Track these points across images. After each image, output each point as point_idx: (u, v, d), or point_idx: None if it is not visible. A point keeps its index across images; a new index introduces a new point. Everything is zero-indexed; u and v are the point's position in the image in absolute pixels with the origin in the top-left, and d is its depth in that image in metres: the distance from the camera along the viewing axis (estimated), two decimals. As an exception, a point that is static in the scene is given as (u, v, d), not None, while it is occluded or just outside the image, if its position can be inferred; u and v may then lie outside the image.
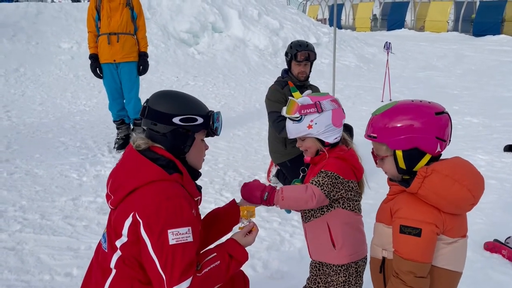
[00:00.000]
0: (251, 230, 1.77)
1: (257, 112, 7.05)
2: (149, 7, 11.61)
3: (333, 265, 1.95)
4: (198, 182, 1.86)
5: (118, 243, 1.57)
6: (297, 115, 1.89)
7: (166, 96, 1.74)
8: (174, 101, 1.71)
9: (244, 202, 1.92)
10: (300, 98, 1.93)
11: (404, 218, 1.48)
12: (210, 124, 1.72)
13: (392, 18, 26.44)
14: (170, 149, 1.67)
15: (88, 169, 4.55)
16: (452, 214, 1.47)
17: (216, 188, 4.08)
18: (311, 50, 3.81)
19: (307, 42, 3.95)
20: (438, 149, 1.50)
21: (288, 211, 2.19)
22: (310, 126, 1.89)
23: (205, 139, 1.82)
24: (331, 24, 19.42)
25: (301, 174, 2.10)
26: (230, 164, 4.80)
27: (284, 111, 1.95)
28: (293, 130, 1.95)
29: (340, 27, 24.57)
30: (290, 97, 2.01)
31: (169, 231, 1.48)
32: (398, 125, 1.50)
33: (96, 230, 3.31)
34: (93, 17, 5.03)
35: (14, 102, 7.27)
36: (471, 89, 9.55)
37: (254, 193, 1.86)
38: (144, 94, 5.42)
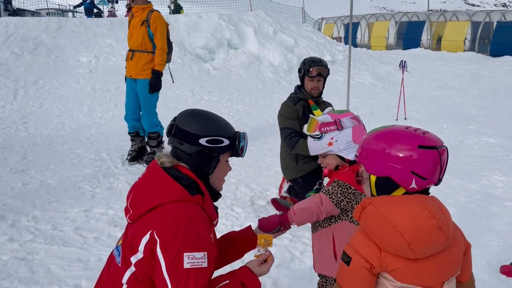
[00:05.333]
0: (267, 260, 1.72)
1: (270, 127, 7.06)
2: (166, 23, 11.82)
3: (334, 280, 1.93)
4: None
5: (133, 259, 1.55)
6: (317, 132, 1.93)
7: (194, 116, 1.72)
8: (201, 122, 1.69)
9: (259, 231, 1.92)
10: (320, 116, 1.96)
11: (347, 243, 1.43)
12: (236, 146, 1.71)
13: (408, 38, 26.42)
14: (194, 169, 1.66)
15: (101, 181, 4.58)
16: (395, 255, 1.35)
17: (227, 203, 4.07)
18: (324, 66, 3.81)
19: (320, 58, 3.96)
20: (413, 185, 1.36)
21: None
22: (330, 144, 1.91)
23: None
24: (346, 42, 19.47)
25: (316, 186, 2.10)
26: (242, 179, 4.79)
27: (305, 129, 2.00)
28: (313, 147, 1.98)
29: (355, 45, 24.65)
30: (311, 115, 2.03)
31: (185, 254, 1.46)
32: (377, 149, 1.40)
33: (106, 242, 3.32)
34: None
35: (32, 113, 7.40)
36: (488, 109, 9.43)
37: (272, 219, 1.90)
38: (160, 108, 5.50)
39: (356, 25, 27.97)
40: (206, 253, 1.50)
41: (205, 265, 1.48)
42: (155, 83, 5.15)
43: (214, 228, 1.75)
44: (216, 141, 1.66)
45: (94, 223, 3.65)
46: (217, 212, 1.79)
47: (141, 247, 1.52)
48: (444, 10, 37.96)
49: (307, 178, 3.72)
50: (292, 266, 3.09)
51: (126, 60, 5.25)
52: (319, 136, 1.93)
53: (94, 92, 8.86)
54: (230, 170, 1.81)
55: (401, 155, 1.36)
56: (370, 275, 1.37)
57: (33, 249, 3.16)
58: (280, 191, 4.30)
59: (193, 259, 1.46)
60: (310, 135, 1.97)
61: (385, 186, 1.40)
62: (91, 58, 10.14)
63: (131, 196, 1.65)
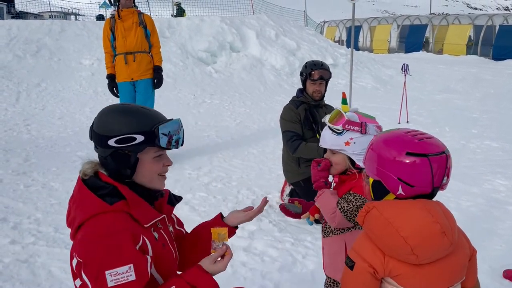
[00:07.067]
0: (224, 255, 1.55)
1: (272, 130, 7.05)
2: (168, 26, 11.86)
3: None
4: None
5: (77, 284, 1.48)
6: (339, 127, 1.84)
7: (104, 115, 1.53)
8: (109, 120, 1.50)
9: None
10: (348, 112, 1.87)
11: (351, 248, 1.43)
12: (155, 140, 1.49)
13: (410, 41, 26.43)
14: (112, 174, 1.51)
15: (103, 183, 4.58)
16: (398, 260, 1.33)
17: (229, 206, 4.06)
18: (326, 69, 3.82)
19: (322, 61, 3.97)
20: (400, 191, 1.34)
21: (310, 223, 2.19)
22: (347, 143, 1.84)
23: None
24: (348, 46, 19.49)
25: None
26: (243, 182, 4.79)
27: (326, 118, 1.91)
28: (329, 140, 1.89)
29: (357, 48, 24.67)
30: (338, 108, 1.94)
31: (106, 272, 1.35)
32: (374, 152, 1.40)
33: (108, 245, 3.31)
34: (108, 38, 5.22)
35: (34, 116, 7.42)
36: (491, 112, 9.41)
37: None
38: (161, 111, 5.55)
39: (358, 29, 28.01)
40: (131, 265, 1.37)
41: (132, 278, 1.37)
42: (161, 78, 5.35)
43: (167, 224, 1.65)
44: (126, 140, 1.47)
45: (96, 225, 3.64)
46: (173, 205, 1.68)
47: (76, 270, 1.46)
48: (446, 14, 37.98)
49: (309, 181, 3.69)
50: (294, 270, 3.08)
51: (126, 64, 5.14)
52: (340, 131, 1.84)
53: (96, 94, 8.88)
54: (168, 165, 1.59)
55: (388, 160, 1.35)
56: (373, 280, 1.36)
57: (35, 252, 3.16)
58: (282, 195, 4.29)
59: (116, 275, 1.35)
60: (330, 127, 1.88)
61: (379, 189, 1.40)
62: (94, 60, 10.16)
63: (66, 214, 1.56)
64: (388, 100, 10.62)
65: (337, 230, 1.94)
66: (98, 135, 1.51)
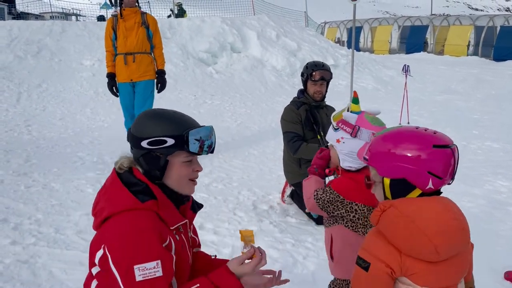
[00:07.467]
0: (252, 257, 1.56)
1: (273, 131, 7.05)
2: (169, 27, 11.87)
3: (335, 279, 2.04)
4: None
5: (94, 271, 1.52)
6: (335, 124, 1.93)
7: (140, 118, 1.61)
8: (144, 123, 1.57)
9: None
10: (348, 113, 1.93)
11: (362, 248, 1.40)
12: (185, 145, 1.53)
13: (411, 42, 26.43)
14: (146, 174, 1.57)
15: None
16: (416, 258, 1.33)
17: (230, 207, 4.06)
18: (327, 70, 3.82)
19: (323, 62, 3.97)
20: (430, 185, 1.34)
21: (315, 215, 2.28)
22: (338, 141, 1.91)
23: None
24: (349, 47, 19.50)
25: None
26: (244, 183, 4.78)
27: (332, 114, 2.01)
28: (328, 133, 2.00)
29: (358, 49, 24.67)
30: (340, 110, 2.02)
31: (135, 267, 1.40)
32: (390, 150, 1.37)
33: (108, 246, 3.31)
34: (110, 37, 5.16)
35: (35, 116, 7.43)
36: (492, 113, 9.40)
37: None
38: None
39: (359, 29, 28.00)
40: (159, 261, 1.42)
41: (159, 273, 1.41)
42: (164, 83, 5.29)
43: (188, 229, 1.69)
44: (157, 142, 1.53)
45: (97, 226, 3.64)
46: (195, 211, 1.72)
47: (97, 260, 1.49)
48: (447, 15, 37.99)
49: (310, 182, 3.71)
50: (294, 271, 3.07)
51: (125, 65, 5.10)
52: (335, 128, 1.93)
53: (97, 95, 8.88)
54: (198, 170, 1.64)
55: (416, 155, 1.34)
56: (390, 281, 1.35)
57: (36, 252, 3.16)
58: (282, 195, 4.29)
59: (144, 270, 1.40)
60: (331, 121, 1.98)
61: (401, 188, 1.38)
62: (95, 61, 10.17)
63: (94, 204, 1.61)
64: (389, 101, 10.62)
65: (326, 223, 2.02)
66: (133, 136, 1.57)
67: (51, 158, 5.38)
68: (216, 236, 3.46)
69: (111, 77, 5.21)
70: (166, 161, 1.55)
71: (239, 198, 4.33)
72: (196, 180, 1.66)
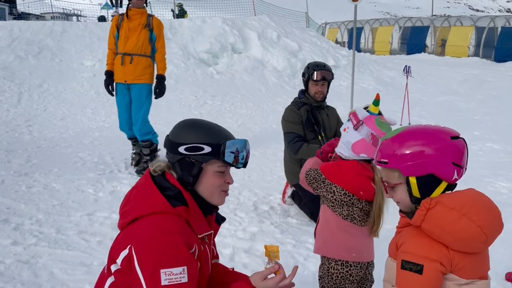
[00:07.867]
0: (276, 273, 1.57)
1: (274, 132, 7.05)
2: (170, 27, 11.87)
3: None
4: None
5: (113, 268, 1.53)
6: (348, 115, 2.14)
7: (178, 125, 1.65)
8: (182, 130, 1.61)
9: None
10: (361, 109, 2.11)
11: (406, 253, 1.38)
12: (220, 154, 1.56)
13: (412, 43, 26.41)
14: (180, 179, 1.59)
15: (104, 184, 4.58)
16: (464, 252, 1.34)
17: (231, 208, 4.06)
18: (328, 70, 3.82)
19: (324, 63, 3.97)
20: (455, 176, 1.40)
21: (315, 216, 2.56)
22: (344, 130, 2.11)
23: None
24: (350, 47, 19.50)
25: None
26: (245, 184, 4.78)
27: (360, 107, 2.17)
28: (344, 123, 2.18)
29: (359, 50, 24.64)
30: (368, 104, 2.17)
31: (161, 271, 1.40)
32: (412, 149, 1.40)
33: (109, 246, 3.30)
34: (113, 35, 5.05)
35: (36, 117, 7.43)
36: (493, 114, 9.40)
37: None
38: (163, 113, 5.56)
39: (360, 30, 28.00)
40: (185, 267, 1.42)
41: (184, 280, 1.41)
42: (163, 89, 5.13)
43: (213, 240, 1.71)
44: (195, 149, 1.56)
45: (98, 226, 3.64)
46: (219, 223, 1.74)
47: (119, 260, 1.50)
48: (448, 15, 37.98)
49: (311, 183, 3.70)
50: (295, 271, 3.07)
51: (122, 65, 4.98)
52: (348, 119, 2.12)
53: (98, 95, 8.88)
54: (229, 183, 1.66)
55: (440, 150, 1.38)
56: (442, 279, 1.35)
57: (37, 253, 3.16)
58: (283, 196, 4.29)
59: (170, 275, 1.40)
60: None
61: (429, 183, 1.41)
62: (95, 62, 10.18)
63: (122, 203, 1.64)
64: (389, 101, 10.59)
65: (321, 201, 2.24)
66: (171, 142, 1.61)
67: (52, 158, 5.38)
68: (217, 237, 3.45)
69: (109, 75, 5.08)
70: (200, 169, 1.58)
71: (239, 199, 4.33)
72: (228, 192, 1.68)
